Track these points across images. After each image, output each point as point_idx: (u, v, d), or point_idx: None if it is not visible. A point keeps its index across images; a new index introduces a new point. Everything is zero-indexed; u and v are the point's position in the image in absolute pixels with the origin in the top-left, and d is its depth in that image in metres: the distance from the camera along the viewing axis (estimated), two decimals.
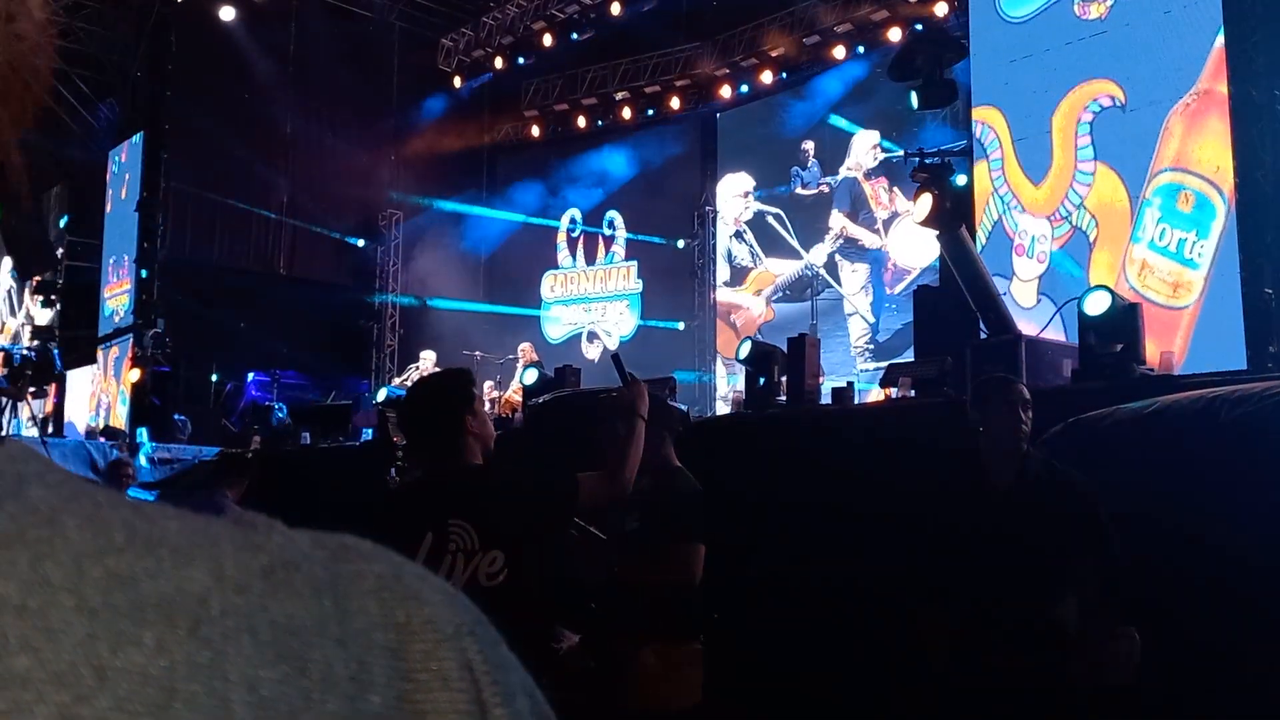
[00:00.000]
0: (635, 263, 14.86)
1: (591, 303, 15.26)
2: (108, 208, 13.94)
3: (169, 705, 0.28)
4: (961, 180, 7.19)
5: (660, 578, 3.29)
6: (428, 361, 11.20)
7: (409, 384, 9.77)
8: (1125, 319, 4.42)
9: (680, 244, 14.33)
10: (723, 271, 13.99)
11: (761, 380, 5.57)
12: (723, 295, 13.96)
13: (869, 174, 12.43)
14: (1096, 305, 4.46)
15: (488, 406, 8.47)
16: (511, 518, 2.46)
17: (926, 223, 6.05)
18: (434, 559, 2.29)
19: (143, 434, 11.02)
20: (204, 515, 0.33)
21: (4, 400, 9.87)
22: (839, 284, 12.62)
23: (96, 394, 13.32)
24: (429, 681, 0.32)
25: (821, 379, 6.05)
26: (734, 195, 13.92)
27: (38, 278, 13.36)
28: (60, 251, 14.11)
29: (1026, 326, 6.42)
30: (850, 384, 6.66)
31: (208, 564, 0.30)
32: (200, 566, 0.30)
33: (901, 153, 11.23)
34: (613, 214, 15.07)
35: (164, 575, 0.30)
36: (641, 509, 3.23)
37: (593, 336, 14.96)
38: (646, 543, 3.30)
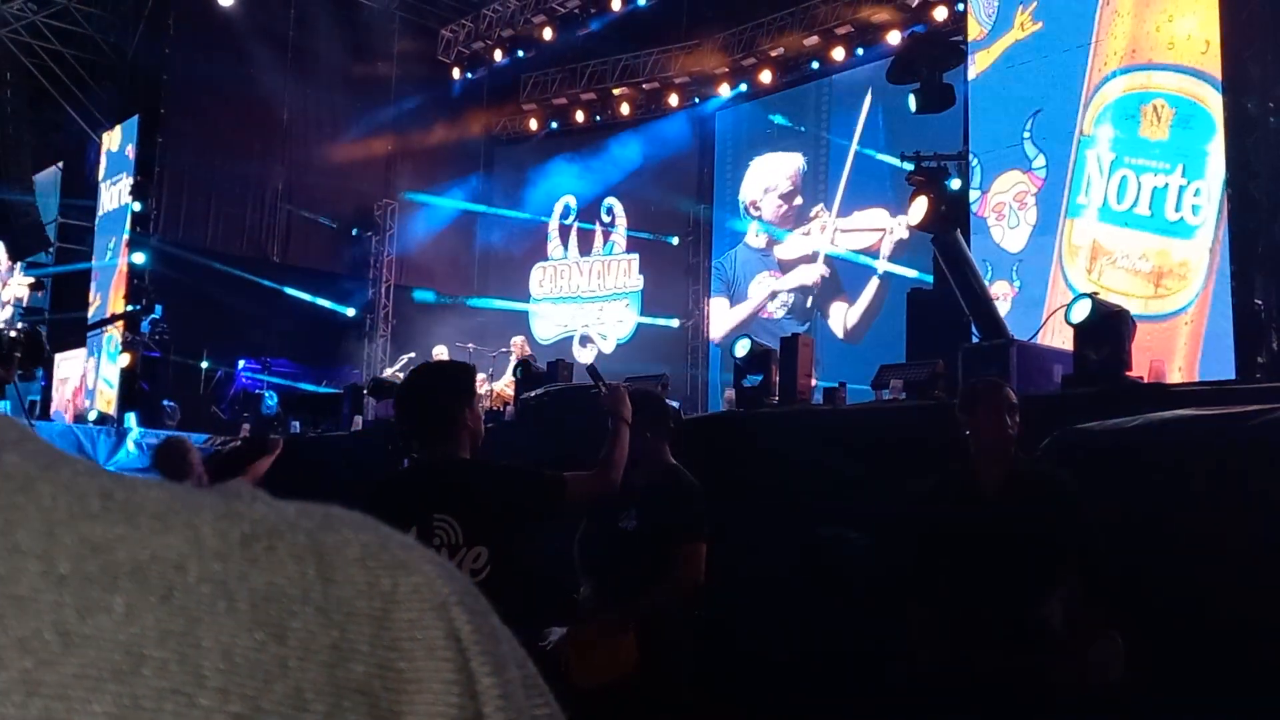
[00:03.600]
0: (636, 256, 14.47)
1: (585, 302, 14.82)
2: (101, 191, 13.88)
3: (137, 671, 0.27)
4: (956, 184, 7.20)
5: (669, 578, 3.19)
6: (442, 355, 11.05)
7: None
8: (1109, 326, 4.34)
9: (675, 241, 14.26)
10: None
11: (758, 379, 5.53)
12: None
13: None
14: (1079, 313, 4.42)
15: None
16: (496, 514, 2.46)
17: (921, 226, 6.06)
18: None
19: (131, 419, 10.99)
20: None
21: None
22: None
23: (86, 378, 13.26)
24: (413, 650, 0.31)
25: (813, 380, 6.03)
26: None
27: (29, 259, 13.32)
28: (51, 232, 14.02)
29: None
30: (842, 384, 6.65)
31: (186, 531, 0.30)
32: (178, 534, 0.30)
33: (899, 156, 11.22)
34: (611, 201, 14.72)
35: (139, 542, 0.29)
36: (639, 507, 3.22)
37: (585, 340, 14.57)
38: (648, 542, 3.26)
